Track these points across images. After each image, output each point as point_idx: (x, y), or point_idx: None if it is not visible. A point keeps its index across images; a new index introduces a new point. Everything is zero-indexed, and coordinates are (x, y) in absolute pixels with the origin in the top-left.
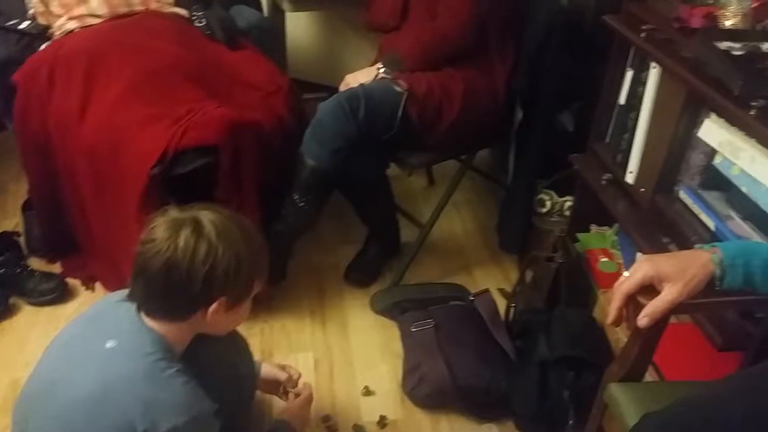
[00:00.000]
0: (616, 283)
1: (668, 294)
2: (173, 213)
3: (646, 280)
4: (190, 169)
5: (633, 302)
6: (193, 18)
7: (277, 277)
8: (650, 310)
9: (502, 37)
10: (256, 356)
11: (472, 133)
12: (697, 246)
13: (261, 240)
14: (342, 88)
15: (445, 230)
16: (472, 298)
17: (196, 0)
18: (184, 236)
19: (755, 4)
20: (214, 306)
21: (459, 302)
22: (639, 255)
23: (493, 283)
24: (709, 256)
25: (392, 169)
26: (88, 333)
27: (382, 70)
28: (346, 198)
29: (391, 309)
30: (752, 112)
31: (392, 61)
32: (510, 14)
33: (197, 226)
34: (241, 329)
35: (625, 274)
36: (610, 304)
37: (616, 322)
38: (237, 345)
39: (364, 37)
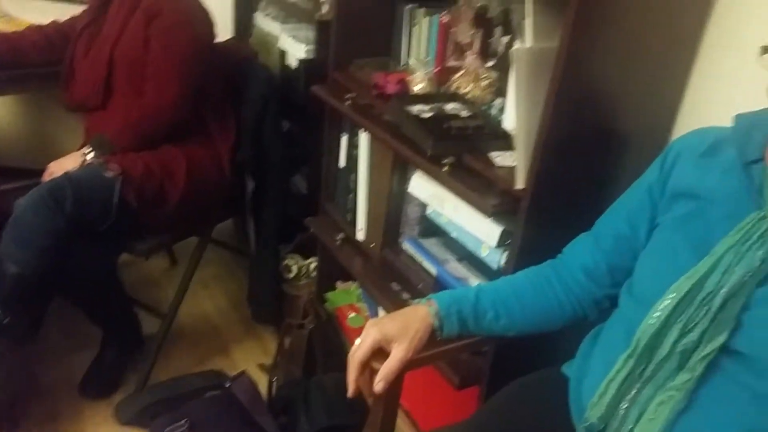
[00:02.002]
0: (350, 354)
1: (396, 354)
2: None
3: (376, 345)
4: None
5: (369, 369)
6: None
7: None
8: (383, 373)
9: (219, 111)
10: None
11: (201, 210)
12: (415, 301)
13: None
14: (45, 177)
15: (194, 312)
16: (228, 385)
17: None
18: None
19: (437, 69)
20: None
21: (216, 391)
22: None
23: (253, 359)
24: (427, 309)
25: (126, 255)
26: None
27: (90, 154)
28: (68, 301)
29: (140, 416)
30: (445, 169)
31: (101, 144)
32: (225, 87)
33: None
34: None
35: (357, 341)
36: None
37: (356, 393)
38: None
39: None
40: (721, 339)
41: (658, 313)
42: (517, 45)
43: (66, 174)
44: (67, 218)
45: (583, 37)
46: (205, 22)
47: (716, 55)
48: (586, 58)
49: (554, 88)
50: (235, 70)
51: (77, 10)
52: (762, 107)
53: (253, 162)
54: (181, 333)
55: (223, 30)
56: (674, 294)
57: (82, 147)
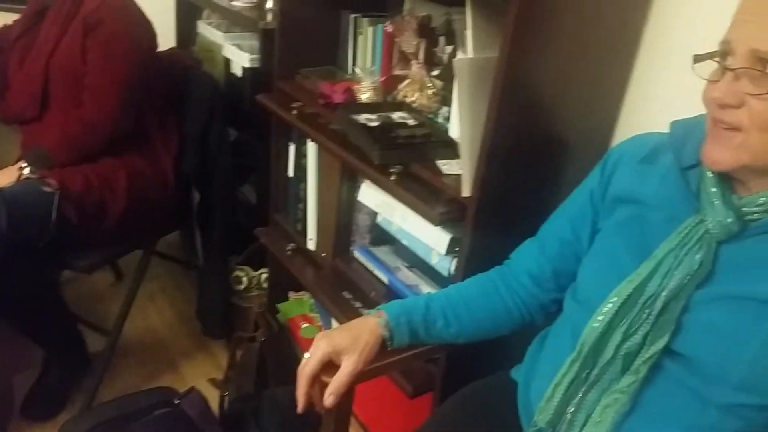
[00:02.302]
0: (299, 368)
1: (346, 367)
2: None
3: (326, 358)
4: None
5: (319, 382)
6: None
7: None
8: (333, 387)
9: (162, 121)
10: None
11: (145, 223)
12: (365, 312)
13: None
14: None
15: (142, 327)
16: (177, 402)
17: None
18: None
19: (383, 78)
20: None
21: (166, 409)
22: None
23: (204, 374)
24: (376, 320)
25: (68, 271)
26: None
27: (26, 169)
28: (7, 321)
29: None
30: (392, 178)
31: (38, 158)
32: (167, 97)
33: None
34: None
35: (306, 355)
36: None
37: (306, 407)
38: None
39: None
40: (662, 341)
41: (601, 317)
42: (459, 55)
43: (0, 190)
44: (2, 236)
45: (522, 47)
46: (147, 31)
47: (653, 62)
48: (526, 67)
49: (496, 97)
50: (178, 80)
51: (10, 17)
52: (698, 113)
53: (199, 172)
54: (128, 349)
55: (166, 39)
56: (616, 298)
57: (18, 161)
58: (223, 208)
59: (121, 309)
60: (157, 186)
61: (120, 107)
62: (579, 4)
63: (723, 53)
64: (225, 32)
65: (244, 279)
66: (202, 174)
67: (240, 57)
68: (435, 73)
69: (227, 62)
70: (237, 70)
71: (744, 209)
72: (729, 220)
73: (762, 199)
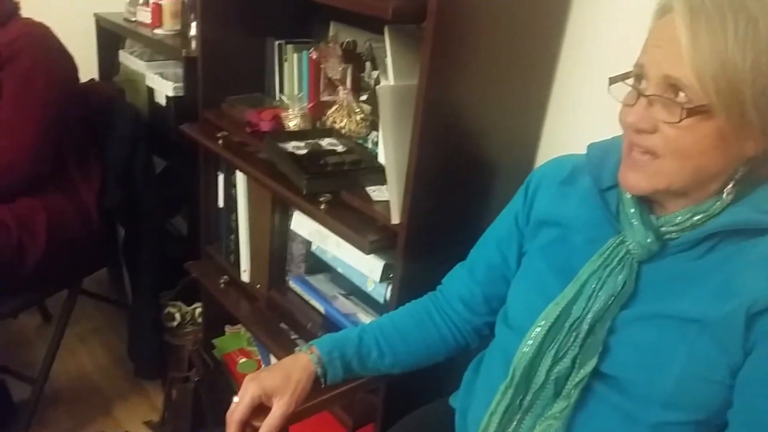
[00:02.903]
0: (228, 413)
1: (278, 409)
2: None
3: (255, 401)
4: None
5: (250, 427)
6: None
7: None
8: (264, 431)
9: (82, 155)
10: None
11: (69, 262)
12: (296, 349)
13: None
14: None
15: (71, 371)
16: None
17: None
18: None
19: (311, 105)
20: None
21: None
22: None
23: (139, 416)
24: (308, 357)
25: None
26: None
27: None
28: None
29: None
30: (322, 207)
31: None
32: (87, 130)
33: None
34: None
35: (235, 399)
36: None
37: None
38: None
39: None
40: (591, 364)
41: (530, 341)
42: (383, 82)
43: None
44: None
45: (440, 74)
46: (66, 65)
47: (570, 85)
48: (446, 93)
49: (418, 124)
50: (99, 111)
51: None
52: (615, 134)
53: (124, 207)
54: (57, 395)
55: (88, 70)
56: (544, 321)
57: None
58: (151, 243)
59: (47, 353)
60: (80, 223)
61: (38, 147)
62: (492, 31)
63: (637, 76)
64: (148, 61)
65: (177, 315)
66: (128, 208)
67: (163, 86)
68: (363, 98)
69: (151, 91)
70: (161, 100)
71: (662, 229)
72: (648, 240)
73: (679, 218)
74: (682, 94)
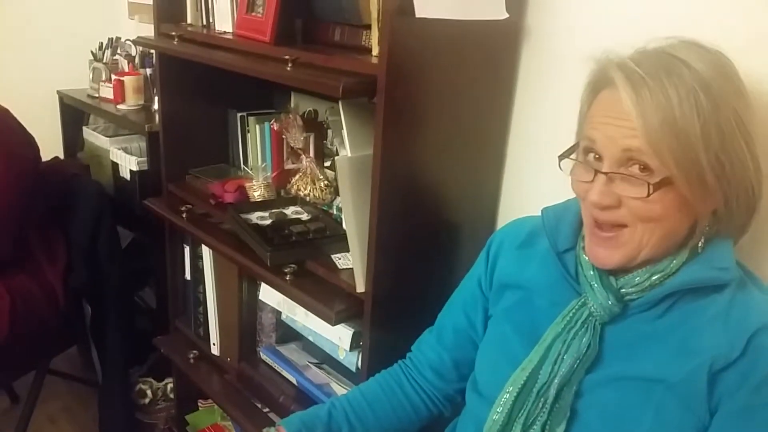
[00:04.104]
0: None
1: None
2: None
3: None
4: None
5: None
6: None
7: None
8: None
9: (45, 235)
10: None
11: (35, 343)
12: (264, 430)
13: None
14: None
15: None
16: None
17: None
18: None
19: (275, 174)
20: None
21: None
22: None
23: None
24: None
25: None
26: None
27: None
28: None
29: None
30: (287, 278)
31: None
32: (50, 209)
33: None
34: None
35: None
36: None
37: None
38: None
39: None
40: (560, 430)
41: (500, 409)
42: (341, 152)
43: None
44: None
45: (394, 144)
46: (28, 151)
47: (521, 151)
48: (401, 162)
49: (376, 193)
50: (62, 189)
51: None
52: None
53: (90, 284)
54: None
55: (52, 147)
56: (512, 387)
57: None
58: (119, 319)
59: None
60: (45, 304)
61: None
62: (440, 102)
63: (586, 149)
64: (112, 136)
65: (148, 392)
66: (94, 285)
67: (127, 161)
68: (327, 164)
69: (116, 166)
70: (126, 174)
71: (622, 290)
72: (609, 302)
73: (637, 279)
74: (637, 168)
